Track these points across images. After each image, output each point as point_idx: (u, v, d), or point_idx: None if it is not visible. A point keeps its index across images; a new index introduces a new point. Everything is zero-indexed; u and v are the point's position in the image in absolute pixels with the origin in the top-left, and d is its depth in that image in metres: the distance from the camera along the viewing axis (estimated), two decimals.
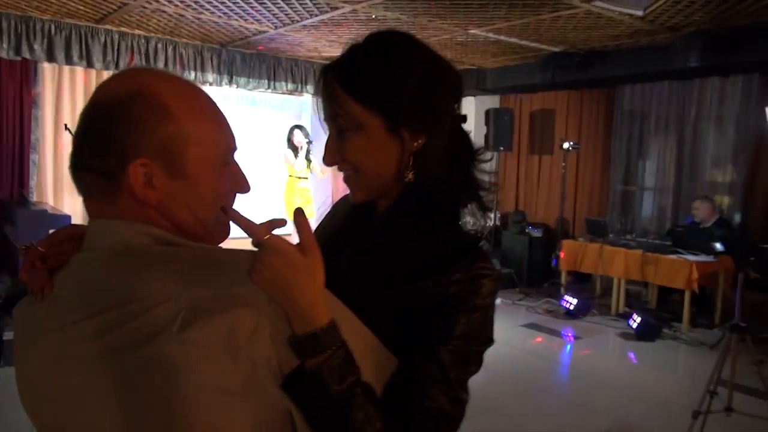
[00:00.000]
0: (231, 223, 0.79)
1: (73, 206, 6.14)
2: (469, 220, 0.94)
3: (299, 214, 0.74)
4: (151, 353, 0.66)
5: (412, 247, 0.87)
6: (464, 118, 0.94)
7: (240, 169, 0.82)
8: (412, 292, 0.84)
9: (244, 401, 0.67)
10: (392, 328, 0.81)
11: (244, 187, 0.82)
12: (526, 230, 7.29)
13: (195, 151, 0.73)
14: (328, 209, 1.10)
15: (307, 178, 6.18)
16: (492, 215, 7.74)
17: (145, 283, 0.69)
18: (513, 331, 5.37)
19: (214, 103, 0.80)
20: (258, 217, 0.76)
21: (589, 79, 6.78)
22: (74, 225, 0.88)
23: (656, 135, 7.14)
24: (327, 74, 0.90)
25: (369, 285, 0.86)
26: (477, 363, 0.86)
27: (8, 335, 4.01)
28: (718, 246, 2.83)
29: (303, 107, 8.19)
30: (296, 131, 6.09)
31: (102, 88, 0.75)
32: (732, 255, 2.71)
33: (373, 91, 0.86)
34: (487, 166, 0.96)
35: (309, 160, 6.20)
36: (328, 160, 0.91)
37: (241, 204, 0.79)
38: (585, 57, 6.29)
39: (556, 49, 6.31)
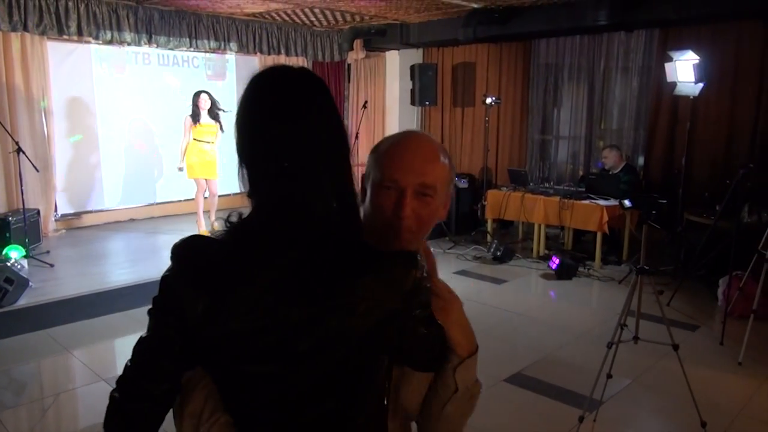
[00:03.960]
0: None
1: None
2: None
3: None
4: None
5: None
6: None
7: (399, 200, 1.09)
8: None
9: None
10: None
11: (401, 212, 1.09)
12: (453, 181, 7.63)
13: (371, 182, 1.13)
14: None
15: (211, 142, 6.14)
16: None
17: None
18: (446, 279, 5.73)
19: (401, 154, 1.12)
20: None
21: (508, 33, 7.07)
22: None
23: (569, 86, 7.60)
24: None
25: None
26: None
27: None
28: (627, 203, 3.23)
29: (227, 66, 8.02)
30: (202, 95, 6.11)
31: None
32: (638, 209, 3.11)
33: None
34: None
35: (217, 123, 6.18)
36: None
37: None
38: (504, 13, 6.58)
39: (477, 6, 6.54)
